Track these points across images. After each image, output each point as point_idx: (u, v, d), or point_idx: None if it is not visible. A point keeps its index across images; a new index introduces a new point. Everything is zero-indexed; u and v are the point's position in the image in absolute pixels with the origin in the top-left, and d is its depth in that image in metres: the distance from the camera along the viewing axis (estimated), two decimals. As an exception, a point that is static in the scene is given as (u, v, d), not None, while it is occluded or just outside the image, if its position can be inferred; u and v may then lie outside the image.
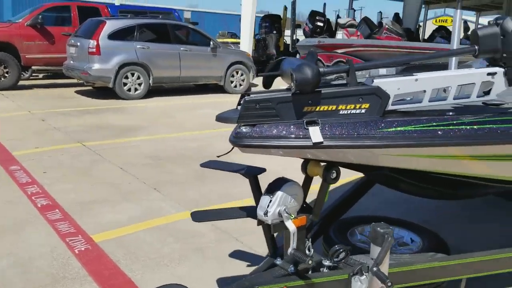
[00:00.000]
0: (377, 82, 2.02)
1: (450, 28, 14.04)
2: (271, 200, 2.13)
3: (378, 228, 2.02)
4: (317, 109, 1.95)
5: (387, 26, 11.03)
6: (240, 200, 4.45)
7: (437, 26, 15.37)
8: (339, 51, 11.65)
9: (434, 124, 1.98)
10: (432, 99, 2.09)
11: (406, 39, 11.16)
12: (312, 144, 1.89)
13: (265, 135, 1.91)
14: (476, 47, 2.12)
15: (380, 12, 16.61)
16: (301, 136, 1.90)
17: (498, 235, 3.77)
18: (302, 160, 2.34)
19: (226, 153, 2.38)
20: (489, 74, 2.13)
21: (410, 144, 1.95)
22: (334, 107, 1.96)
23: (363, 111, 1.97)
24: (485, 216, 4.18)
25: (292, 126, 1.92)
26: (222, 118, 1.99)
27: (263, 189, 2.30)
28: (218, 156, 2.51)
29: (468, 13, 34.26)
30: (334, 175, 2.21)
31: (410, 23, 13.10)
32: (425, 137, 1.96)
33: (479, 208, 4.27)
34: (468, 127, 2.01)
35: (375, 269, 2.00)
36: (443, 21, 30.27)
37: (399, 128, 1.94)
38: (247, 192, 4.64)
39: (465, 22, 17.29)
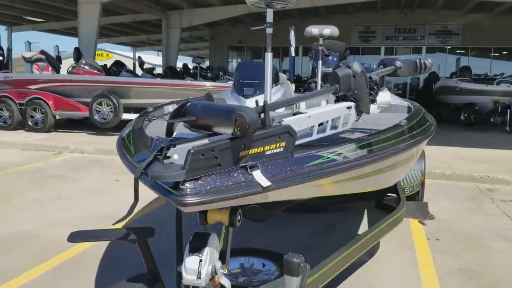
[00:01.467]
0: (286, 120, 2.18)
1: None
2: (201, 260, 2.00)
3: (295, 259, 2.14)
4: (250, 153, 1.96)
5: (84, 61, 10.80)
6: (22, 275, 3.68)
7: (114, 60, 15.84)
8: (33, 87, 10.62)
9: (338, 154, 2.27)
10: (319, 132, 2.41)
11: (104, 73, 11.21)
12: (262, 189, 1.90)
13: (213, 188, 1.80)
14: (337, 86, 2.55)
15: (57, 45, 15.94)
16: (249, 182, 1.88)
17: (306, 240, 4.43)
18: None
19: (125, 218, 2.07)
20: (348, 107, 2.61)
21: (331, 173, 2.17)
22: (261, 149, 2.00)
23: (281, 149, 2.07)
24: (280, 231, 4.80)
25: (236, 174, 1.88)
26: (158, 176, 1.75)
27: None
28: (114, 224, 2.13)
29: (125, 48, 36.65)
30: (239, 217, 2.25)
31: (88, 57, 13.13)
32: (339, 164, 2.22)
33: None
34: (352, 153, 2.37)
35: None
36: (100, 55, 31.32)
37: (318, 161, 2.15)
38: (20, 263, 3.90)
39: (140, 57, 18.56)
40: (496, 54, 24.73)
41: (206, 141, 1.97)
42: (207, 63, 25.98)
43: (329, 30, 6.68)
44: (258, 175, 1.89)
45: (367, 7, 22.42)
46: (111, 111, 10.06)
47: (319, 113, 2.44)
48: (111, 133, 10.35)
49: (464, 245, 4.46)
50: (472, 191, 6.70)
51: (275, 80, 5.32)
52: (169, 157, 1.88)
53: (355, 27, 23.87)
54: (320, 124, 2.46)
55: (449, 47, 24.13)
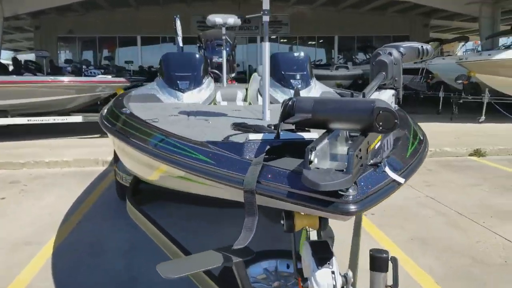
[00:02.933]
0: None
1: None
2: (333, 272, 1.84)
3: (384, 254, 2.06)
4: (371, 149, 1.87)
5: None
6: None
7: None
8: None
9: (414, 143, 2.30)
10: None
11: None
12: (397, 185, 1.82)
13: (368, 191, 1.68)
14: (384, 74, 2.52)
15: None
16: (387, 181, 1.78)
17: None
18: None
19: (248, 237, 1.77)
20: (392, 95, 2.61)
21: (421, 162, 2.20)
22: (374, 144, 1.92)
23: (379, 143, 2.02)
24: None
25: (376, 173, 1.77)
26: (326, 185, 1.54)
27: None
28: (236, 245, 1.77)
29: None
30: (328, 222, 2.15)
31: None
32: None
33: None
34: None
35: None
36: None
37: (411, 150, 2.16)
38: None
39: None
40: (315, 42, 27.44)
41: (326, 140, 1.80)
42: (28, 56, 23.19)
43: (233, 19, 6.62)
44: (390, 172, 1.81)
45: (204, -4, 22.75)
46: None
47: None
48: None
49: (399, 216, 4.92)
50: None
51: (207, 71, 5.06)
52: (311, 162, 1.67)
53: (194, 17, 23.93)
54: None
55: (280, 37, 25.91)
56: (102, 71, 10.84)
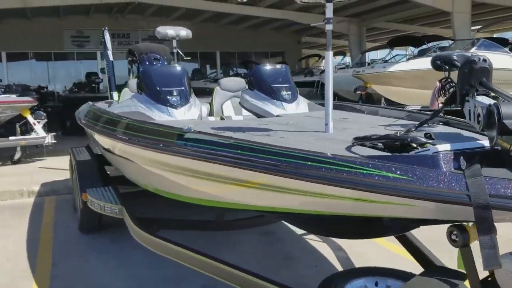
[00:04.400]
0: None
1: None
2: None
3: None
4: None
5: None
6: None
7: None
8: None
9: None
10: None
11: None
12: None
13: None
14: (485, 79, 2.51)
15: None
16: None
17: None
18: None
19: None
20: None
21: None
22: None
23: None
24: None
25: None
26: None
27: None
28: None
29: None
30: None
31: None
32: None
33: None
34: None
35: None
36: None
37: None
38: None
39: None
40: (193, 58, 27.41)
41: None
42: None
43: (185, 32, 6.32)
44: None
45: (78, 10, 21.29)
46: None
47: None
48: None
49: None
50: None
51: (191, 86, 4.65)
52: None
53: (67, 31, 22.28)
54: None
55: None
56: (2, 89, 9.29)
